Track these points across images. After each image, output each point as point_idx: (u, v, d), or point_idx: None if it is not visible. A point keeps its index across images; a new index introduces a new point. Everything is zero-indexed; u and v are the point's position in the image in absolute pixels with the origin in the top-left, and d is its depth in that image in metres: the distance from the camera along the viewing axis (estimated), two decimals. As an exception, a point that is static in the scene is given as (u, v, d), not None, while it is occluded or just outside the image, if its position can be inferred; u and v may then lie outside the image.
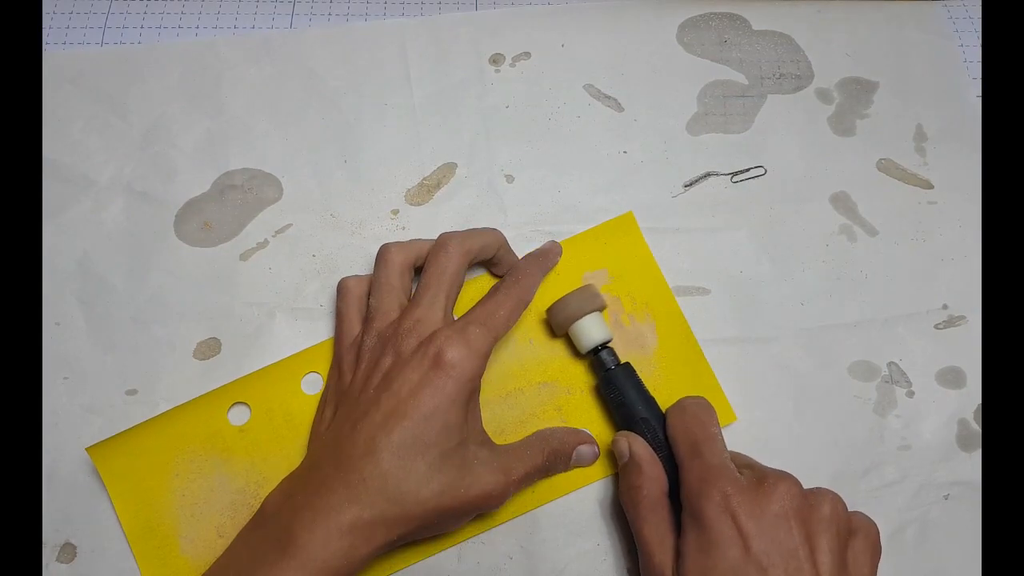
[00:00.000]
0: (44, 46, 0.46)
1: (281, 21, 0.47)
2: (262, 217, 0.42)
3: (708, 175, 0.44)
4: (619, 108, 0.46)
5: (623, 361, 0.38)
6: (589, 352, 0.38)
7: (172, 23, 0.47)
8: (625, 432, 0.36)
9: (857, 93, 0.46)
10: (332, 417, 0.35)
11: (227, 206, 0.43)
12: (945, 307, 0.42)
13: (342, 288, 0.38)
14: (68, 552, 0.36)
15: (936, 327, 0.41)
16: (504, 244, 0.39)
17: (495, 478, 0.33)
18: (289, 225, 0.42)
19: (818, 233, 0.43)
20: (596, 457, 0.37)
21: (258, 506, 0.33)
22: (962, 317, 0.42)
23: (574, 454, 0.36)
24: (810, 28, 0.48)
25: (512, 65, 0.46)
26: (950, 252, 0.43)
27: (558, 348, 0.40)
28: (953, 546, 0.38)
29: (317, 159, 0.44)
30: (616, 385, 0.37)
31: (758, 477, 0.32)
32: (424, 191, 0.43)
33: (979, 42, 0.48)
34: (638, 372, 0.38)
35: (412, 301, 0.35)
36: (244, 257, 0.42)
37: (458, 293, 0.37)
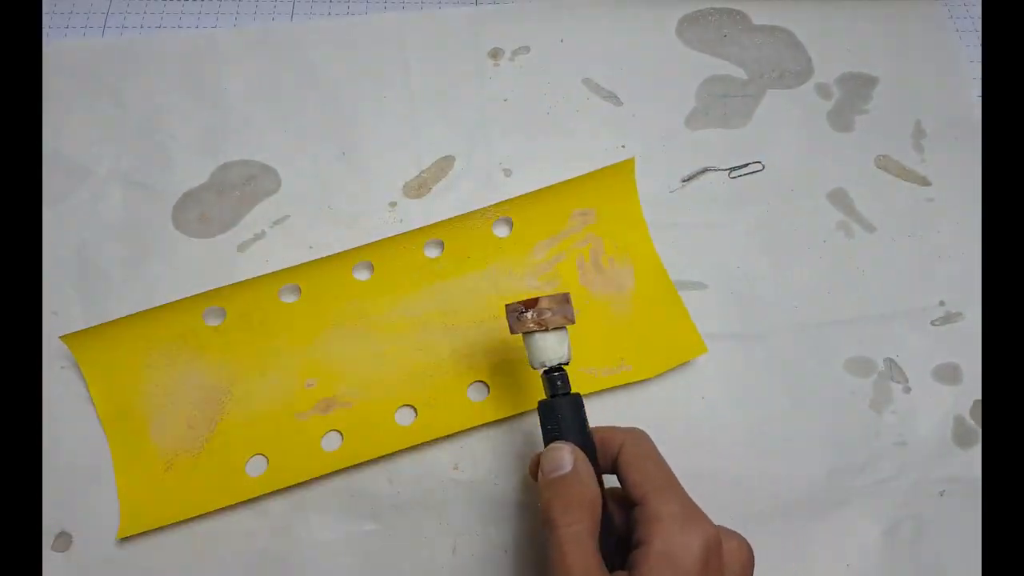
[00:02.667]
0: (46, 37, 0.46)
1: (282, 17, 0.47)
2: (260, 208, 0.43)
3: (706, 170, 0.44)
4: (617, 103, 0.46)
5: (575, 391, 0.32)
6: (540, 369, 0.32)
7: (174, 17, 0.47)
8: (567, 444, 0.30)
9: (856, 88, 0.46)
10: None
11: (225, 197, 0.43)
12: (942, 303, 0.42)
13: None
14: (64, 541, 0.36)
15: (933, 323, 0.41)
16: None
17: None
18: (287, 217, 0.42)
19: (815, 229, 0.43)
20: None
21: (229, 403, 0.32)
22: (959, 314, 0.42)
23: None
24: (810, 23, 0.48)
25: (511, 59, 0.46)
26: (947, 249, 0.43)
27: (537, 281, 0.40)
28: (948, 542, 0.37)
29: (315, 151, 0.44)
30: (558, 413, 0.31)
31: (724, 534, 0.28)
32: (422, 184, 0.43)
33: (979, 42, 0.48)
34: (612, 311, 0.39)
35: None
36: (242, 248, 0.42)
37: None
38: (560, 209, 0.42)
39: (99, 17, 0.47)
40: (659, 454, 0.30)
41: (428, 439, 0.38)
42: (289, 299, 0.39)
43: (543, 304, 0.32)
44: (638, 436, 0.31)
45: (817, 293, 0.42)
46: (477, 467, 0.38)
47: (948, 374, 0.41)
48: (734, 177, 0.44)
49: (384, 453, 0.37)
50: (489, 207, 0.42)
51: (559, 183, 0.42)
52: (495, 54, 0.46)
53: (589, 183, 0.42)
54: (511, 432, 0.39)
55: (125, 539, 0.36)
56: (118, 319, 0.39)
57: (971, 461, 0.39)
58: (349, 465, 0.37)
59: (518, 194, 0.42)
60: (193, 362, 0.38)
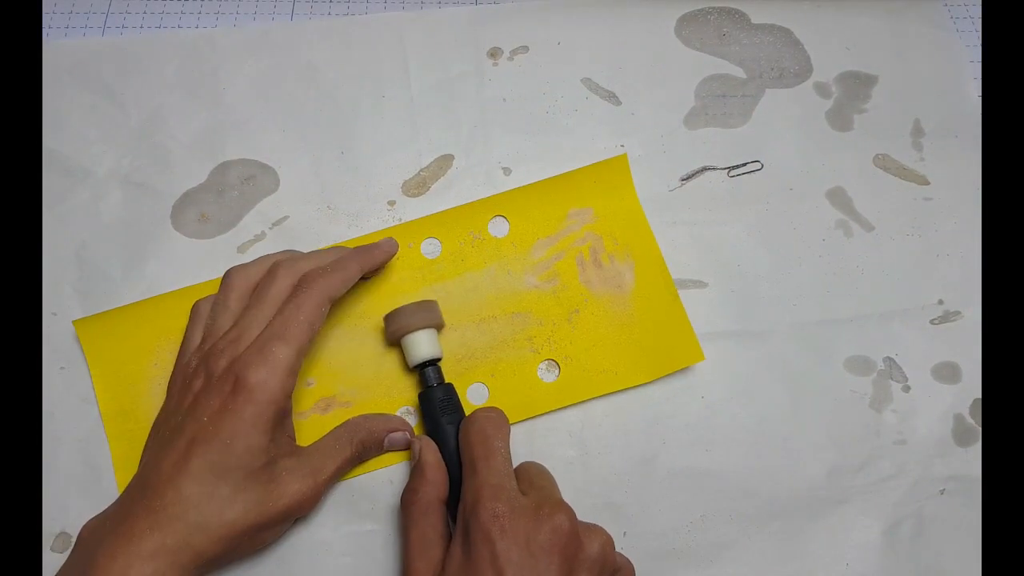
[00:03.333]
0: (46, 36, 0.46)
1: (282, 17, 0.47)
2: (259, 208, 0.43)
3: (705, 169, 0.44)
4: (616, 102, 0.46)
5: (448, 382, 0.38)
6: (416, 366, 0.38)
7: (174, 17, 0.47)
8: (421, 436, 0.36)
9: (855, 87, 0.46)
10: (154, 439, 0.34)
11: (224, 197, 0.43)
12: (941, 302, 0.42)
13: (192, 309, 0.37)
14: (63, 542, 0.36)
15: (932, 322, 0.41)
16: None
17: (304, 484, 0.33)
18: (286, 217, 0.42)
19: (814, 228, 0.43)
20: (407, 443, 0.37)
21: None
22: (957, 312, 0.42)
23: (386, 441, 0.37)
24: (809, 22, 0.48)
25: (510, 59, 0.46)
26: (945, 248, 0.43)
27: (536, 279, 0.40)
28: (949, 541, 0.37)
29: (314, 150, 0.44)
30: (432, 401, 0.37)
31: (537, 502, 0.31)
32: (421, 183, 0.43)
33: (979, 42, 0.48)
34: (611, 311, 0.40)
35: (234, 324, 0.34)
36: (242, 249, 0.42)
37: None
38: (556, 208, 0.42)
39: (99, 17, 0.47)
40: (546, 472, 0.35)
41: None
42: None
43: (409, 309, 0.37)
44: (538, 464, 0.35)
45: (816, 292, 0.42)
46: (477, 466, 0.38)
47: (947, 373, 0.41)
48: (733, 176, 0.44)
49: (385, 462, 0.38)
50: (478, 201, 0.42)
51: (551, 178, 0.42)
52: (494, 53, 0.46)
53: (582, 181, 0.42)
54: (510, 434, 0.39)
55: None
56: (131, 306, 0.39)
57: (971, 460, 0.39)
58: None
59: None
60: None
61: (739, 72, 0.46)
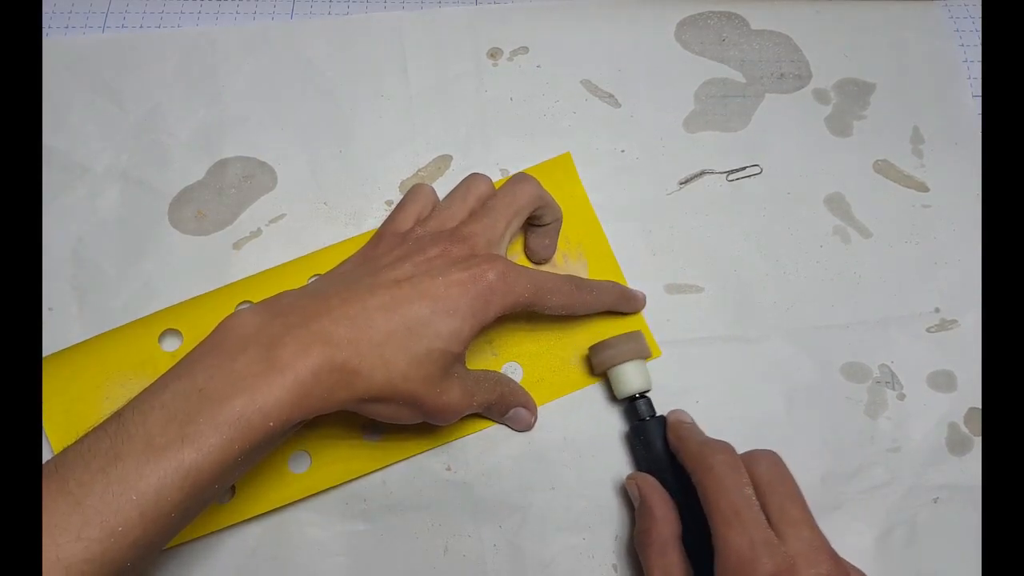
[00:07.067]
0: (46, 35, 0.46)
1: (282, 17, 0.47)
2: (256, 206, 0.43)
3: (703, 173, 0.44)
4: (616, 104, 0.45)
5: (659, 414, 0.37)
6: (625, 399, 0.38)
7: (174, 16, 0.47)
8: (636, 473, 0.36)
9: (855, 94, 0.46)
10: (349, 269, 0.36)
11: (221, 195, 0.43)
12: (937, 310, 0.42)
13: (414, 189, 0.39)
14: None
15: (928, 330, 0.41)
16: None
17: (461, 395, 0.34)
18: (283, 215, 0.42)
19: (812, 234, 0.43)
20: (529, 427, 0.38)
21: None
22: (954, 321, 0.41)
23: (511, 411, 0.37)
24: (809, 28, 0.47)
25: (510, 59, 0.46)
26: (943, 255, 0.43)
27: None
28: (942, 549, 0.37)
29: (313, 149, 0.44)
30: (649, 433, 0.37)
31: (806, 553, 0.30)
32: (419, 182, 0.43)
33: (979, 42, 0.47)
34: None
35: (475, 215, 0.36)
36: (237, 246, 0.42)
37: (517, 232, 0.37)
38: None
39: (99, 16, 0.47)
40: (787, 482, 0.33)
41: (392, 461, 0.37)
42: None
43: (615, 341, 0.37)
44: (770, 461, 0.34)
45: (813, 298, 0.42)
46: (470, 468, 0.38)
47: (943, 381, 0.40)
48: (732, 180, 0.44)
49: (353, 477, 0.37)
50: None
51: (500, 180, 0.41)
52: (494, 54, 0.46)
53: None
54: (504, 434, 0.39)
55: None
56: (75, 346, 0.38)
57: (965, 468, 0.39)
58: (318, 491, 0.36)
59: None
60: None
61: (738, 76, 0.46)
